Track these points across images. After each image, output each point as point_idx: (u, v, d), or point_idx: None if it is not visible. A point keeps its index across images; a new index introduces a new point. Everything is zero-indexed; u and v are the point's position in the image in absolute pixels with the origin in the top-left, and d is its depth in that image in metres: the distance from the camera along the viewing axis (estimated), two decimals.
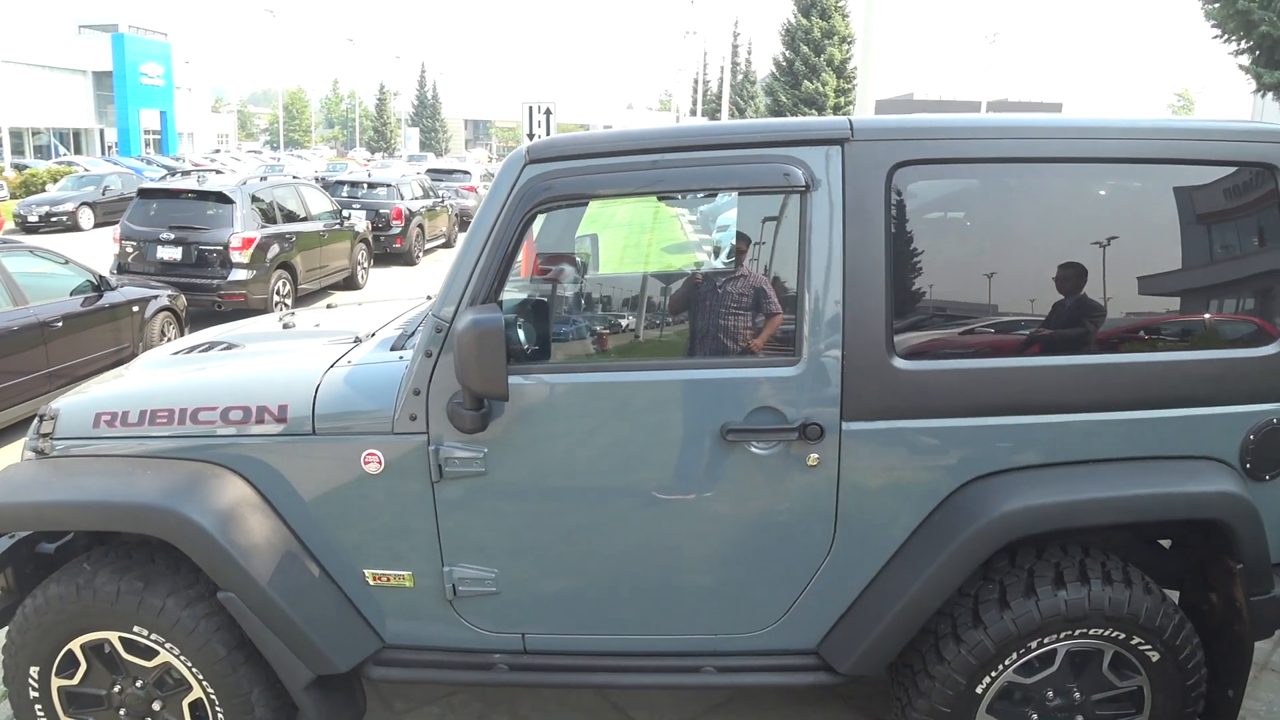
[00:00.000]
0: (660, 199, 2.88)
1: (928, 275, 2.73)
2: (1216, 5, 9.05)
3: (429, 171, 24.90)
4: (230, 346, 3.56)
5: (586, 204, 2.87)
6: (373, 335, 3.31)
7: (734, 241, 3.03)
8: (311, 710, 2.80)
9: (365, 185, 17.37)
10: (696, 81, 61.26)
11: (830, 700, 3.59)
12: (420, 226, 17.45)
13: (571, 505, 2.74)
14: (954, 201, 2.85)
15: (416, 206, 17.45)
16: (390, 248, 16.42)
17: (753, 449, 2.64)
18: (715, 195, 3.12)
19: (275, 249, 11.30)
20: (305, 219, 12.47)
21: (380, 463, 2.71)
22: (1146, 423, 2.72)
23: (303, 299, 12.11)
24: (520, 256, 2.77)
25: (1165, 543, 3.22)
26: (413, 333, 3.15)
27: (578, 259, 3.35)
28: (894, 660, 2.85)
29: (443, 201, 19.40)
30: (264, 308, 10.64)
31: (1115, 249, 2.73)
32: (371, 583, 2.84)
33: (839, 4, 40.02)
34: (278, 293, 11.33)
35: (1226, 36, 9.24)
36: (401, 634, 2.91)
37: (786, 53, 40.83)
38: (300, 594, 2.74)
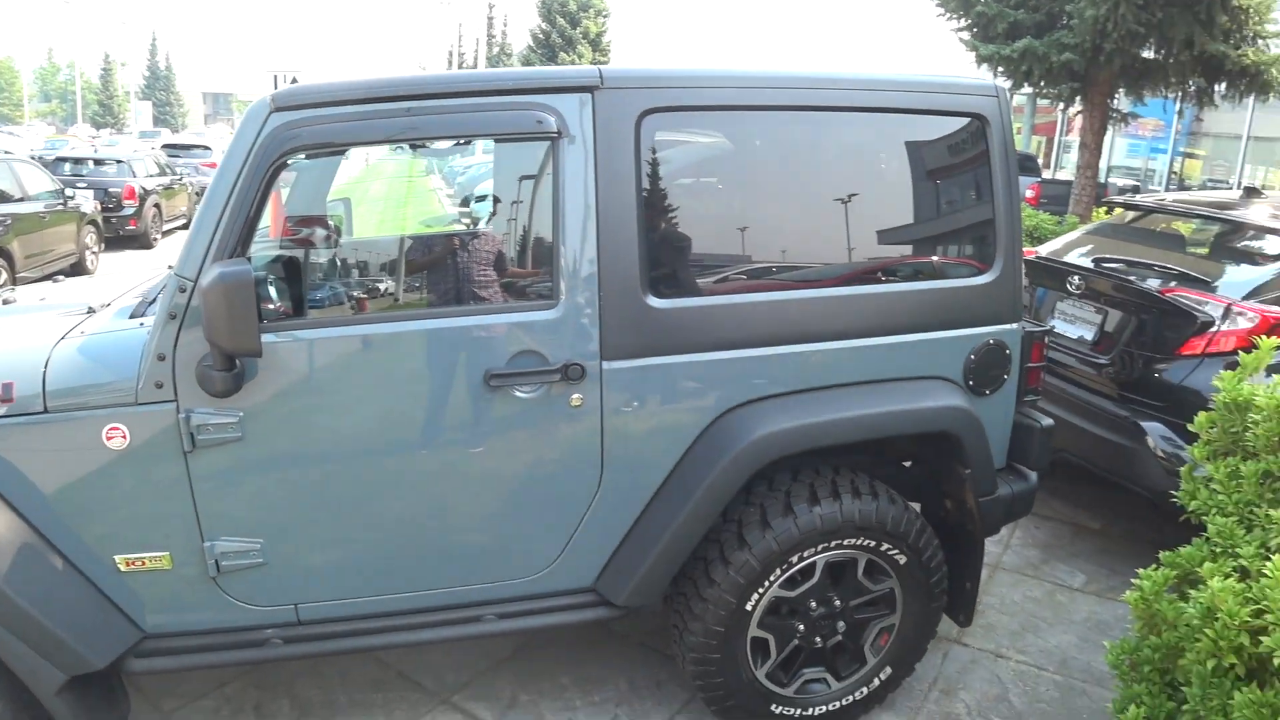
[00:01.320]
0: (412, 148, 2.82)
1: (677, 217, 2.83)
2: None
3: (165, 147, 23.06)
4: None
5: (339, 154, 2.77)
6: (108, 305, 3.06)
7: (491, 200, 3.03)
8: (67, 717, 2.58)
9: (92, 162, 15.86)
10: (451, 54, 60.01)
11: (612, 642, 3.69)
12: (157, 206, 16.11)
13: (337, 465, 2.65)
14: (701, 147, 2.96)
15: (152, 185, 16.09)
16: (123, 230, 15.06)
17: (516, 394, 2.66)
18: (469, 163, 3.11)
19: None
20: (21, 199, 11.25)
21: (125, 437, 2.52)
22: (883, 348, 2.95)
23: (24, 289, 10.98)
24: (269, 213, 2.64)
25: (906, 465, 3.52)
26: (154, 299, 2.94)
27: (330, 221, 3.24)
28: (668, 591, 2.97)
29: (181, 179, 18.02)
30: None
31: (844, 191, 2.95)
32: (124, 569, 2.64)
33: None
34: None
35: (948, 15, 10.13)
36: (163, 621, 2.72)
37: (543, 25, 40.72)
38: (43, 590, 2.51)
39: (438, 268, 2.95)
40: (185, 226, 17.95)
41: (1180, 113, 15.35)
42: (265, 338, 2.45)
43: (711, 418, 2.80)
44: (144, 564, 2.64)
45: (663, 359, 2.73)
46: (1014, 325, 3.15)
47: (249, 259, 2.46)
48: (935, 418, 2.96)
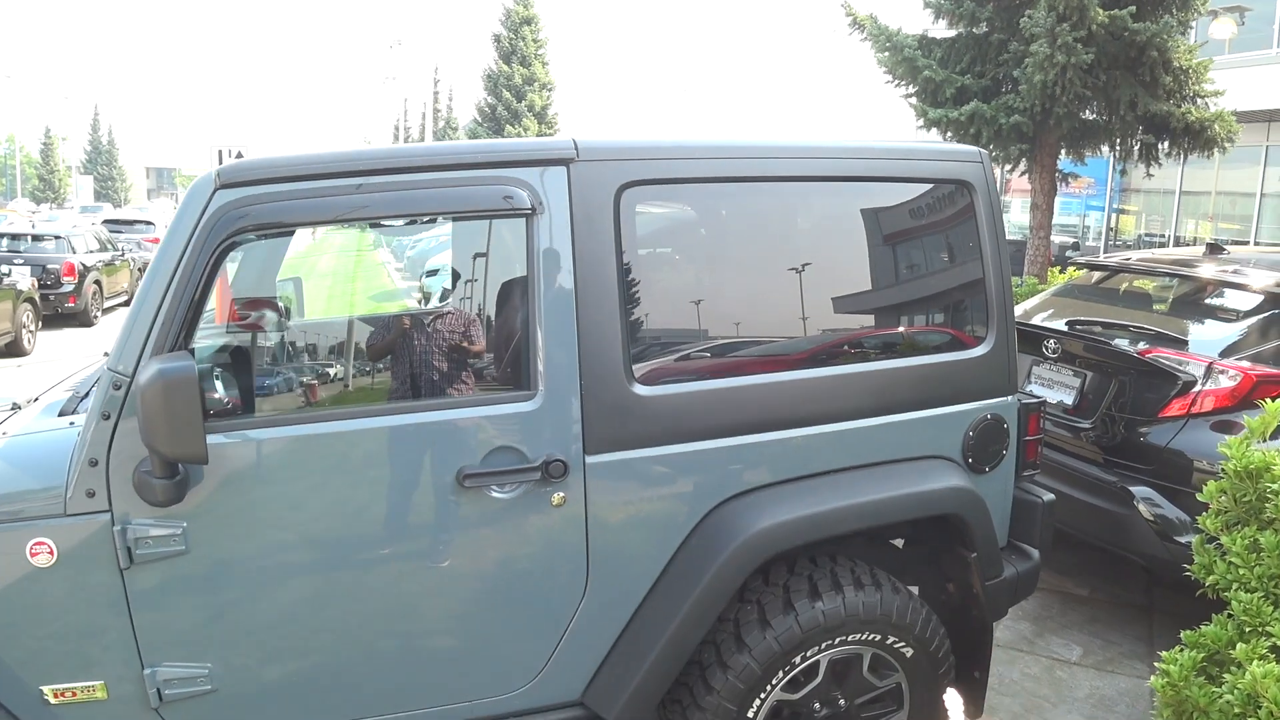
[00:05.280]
0: (371, 226, 2.62)
1: (661, 298, 2.66)
2: (887, 54, 10.16)
3: (107, 222, 22.58)
4: None
5: (288, 234, 2.56)
6: (35, 400, 2.80)
7: (444, 282, 2.84)
8: None
9: (29, 238, 15.37)
10: (397, 127, 60.03)
11: None
12: (98, 283, 15.67)
13: (293, 578, 2.39)
14: (684, 223, 2.80)
15: (92, 261, 15.66)
16: (62, 307, 14.60)
17: (493, 494, 2.44)
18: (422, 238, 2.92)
19: None
20: None
21: (52, 552, 2.24)
22: (878, 429, 2.79)
23: None
24: (214, 299, 2.42)
25: (898, 543, 3.33)
26: (85, 394, 2.68)
27: (280, 304, 3.01)
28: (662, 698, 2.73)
29: (123, 255, 17.57)
30: None
31: (833, 266, 2.80)
32: (53, 701, 2.34)
33: (539, 52, 40.85)
34: None
35: (897, 81, 10.33)
36: None
37: (489, 98, 41.00)
38: None
39: (400, 353, 2.73)
40: (128, 303, 17.48)
41: (1123, 170, 15.70)
42: (212, 439, 2.20)
43: (705, 511, 2.59)
44: (75, 695, 2.35)
45: (651, 450, 2.53)
46: (1010, 398, 3.01)
47: (192, 350, 2.23)
48: (940, 500, 2.79)
